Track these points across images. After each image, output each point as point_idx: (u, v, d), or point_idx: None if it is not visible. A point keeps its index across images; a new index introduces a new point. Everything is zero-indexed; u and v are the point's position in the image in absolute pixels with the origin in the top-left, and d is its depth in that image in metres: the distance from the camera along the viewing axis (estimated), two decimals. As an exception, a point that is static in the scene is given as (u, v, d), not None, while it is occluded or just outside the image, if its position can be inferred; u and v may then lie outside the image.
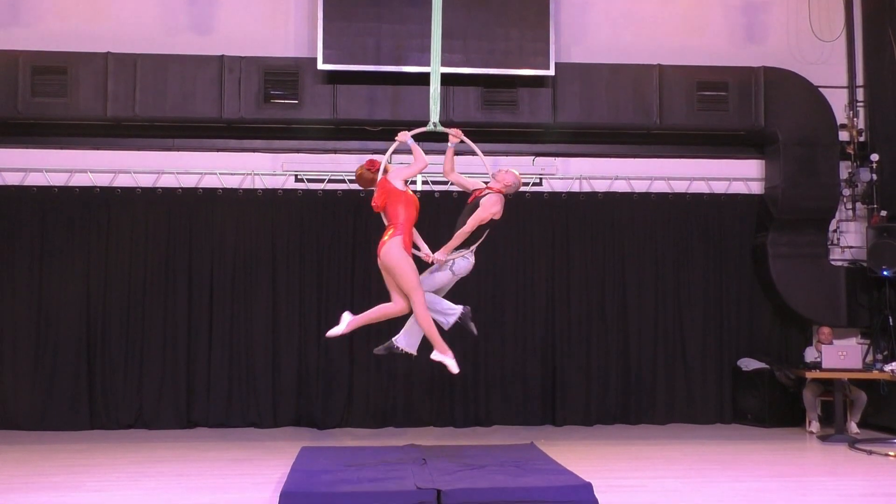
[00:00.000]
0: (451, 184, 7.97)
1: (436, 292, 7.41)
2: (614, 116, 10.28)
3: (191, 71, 9.90)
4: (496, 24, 9.84)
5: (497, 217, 7.40)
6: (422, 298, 7.06)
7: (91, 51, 9.87)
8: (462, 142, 7.63)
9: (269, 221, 10.37)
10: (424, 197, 8.76)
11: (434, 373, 10.38)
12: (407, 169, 7.36)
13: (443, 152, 7.63)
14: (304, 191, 10.48)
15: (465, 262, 7.37)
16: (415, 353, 7.48)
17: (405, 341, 7.39)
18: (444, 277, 7.40)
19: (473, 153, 7.72)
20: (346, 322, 7.24)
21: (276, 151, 10.54)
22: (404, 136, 7.48)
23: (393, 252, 7.04)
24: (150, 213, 10.26)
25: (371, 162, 7.42)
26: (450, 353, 7.18)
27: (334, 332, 7.32)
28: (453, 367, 7.20)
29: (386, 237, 7.11)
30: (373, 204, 7.29)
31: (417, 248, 7.36)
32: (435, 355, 7.21)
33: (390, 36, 9.73)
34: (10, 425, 9.83)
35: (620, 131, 10.57)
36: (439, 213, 9.81)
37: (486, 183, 7.61)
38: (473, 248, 7.35)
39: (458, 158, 7.78)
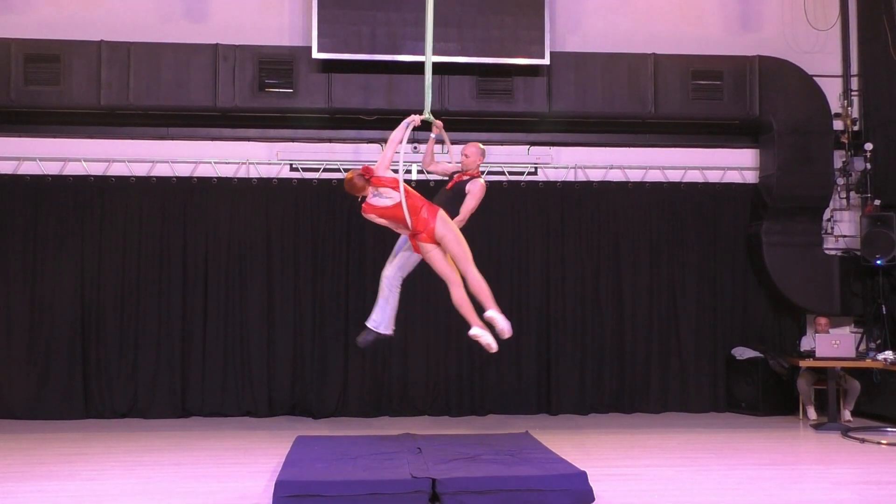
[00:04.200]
0: (430, 173, 8.10)
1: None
2: (609, 105, 10.27)
3: (185, 59, 9.86)
4: (491, 12, 9.79)
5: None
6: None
7: (84, 38, 9.81)
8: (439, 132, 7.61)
9: (264, 210, 10.35)
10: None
11: (429, 361, 10.42)
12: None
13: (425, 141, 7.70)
14: (298, 180, 10.46)
15: None
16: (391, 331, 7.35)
17: (382, 322, 7.27)
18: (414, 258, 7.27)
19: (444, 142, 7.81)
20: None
21: (271, 140, 10.51)
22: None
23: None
24: (145, 202, 10.23)
25: (366, 169, 6.88)
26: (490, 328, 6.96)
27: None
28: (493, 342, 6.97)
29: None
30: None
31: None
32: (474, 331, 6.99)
33: (385, 24, 9.69)
34: (4, 414, 9.81)
35: (615, 120, 10.56)
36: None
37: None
38: None
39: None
